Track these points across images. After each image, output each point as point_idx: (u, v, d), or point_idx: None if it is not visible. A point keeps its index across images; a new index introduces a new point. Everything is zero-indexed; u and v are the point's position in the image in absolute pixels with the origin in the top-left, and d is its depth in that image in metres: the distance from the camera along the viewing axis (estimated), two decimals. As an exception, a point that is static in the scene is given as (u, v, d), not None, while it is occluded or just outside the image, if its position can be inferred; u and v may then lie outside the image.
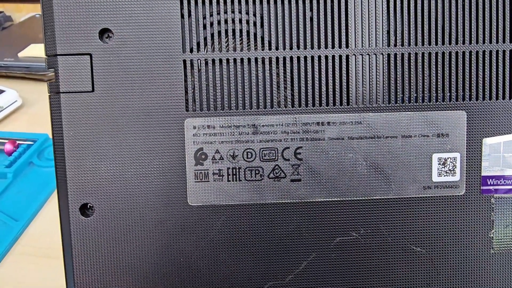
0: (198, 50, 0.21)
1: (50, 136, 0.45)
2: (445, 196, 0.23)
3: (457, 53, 0.22)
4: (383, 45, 0.22)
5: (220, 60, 0.22)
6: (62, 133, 0.21)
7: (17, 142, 0.43)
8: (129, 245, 0.22)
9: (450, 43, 0.22)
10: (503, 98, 0.22)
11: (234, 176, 0.22)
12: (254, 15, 0.22)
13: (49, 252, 0.34)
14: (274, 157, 0.22)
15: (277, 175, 0.22)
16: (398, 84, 0.22)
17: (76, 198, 0.22)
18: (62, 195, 0.22)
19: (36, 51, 0.60)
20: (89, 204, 0.22)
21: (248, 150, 0.22)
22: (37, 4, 0.81)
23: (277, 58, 0.22)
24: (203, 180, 0.22)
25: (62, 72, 0.21)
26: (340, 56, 0.22)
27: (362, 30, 0.22)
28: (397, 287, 0.23)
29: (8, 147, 0.42)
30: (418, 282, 0.23)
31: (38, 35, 0.66)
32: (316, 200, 0.22)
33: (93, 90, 0.21)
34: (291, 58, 0.22)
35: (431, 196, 0.23)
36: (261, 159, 0.22)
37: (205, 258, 0.22)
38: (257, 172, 0.22)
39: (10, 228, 0.34)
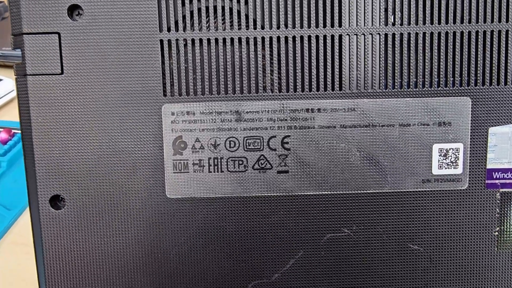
0: (177, 29, 0.20)
1: None
2: (446, 190, 0.21)
3: (462, 33, 0.20)
4: (380, 24, 0.20)
5: (200, 40, 0.20)
6: (30, 119, 0.20)
7: (13, 131, 0.42)
8: (102, 239, 0.20)
9: (454, 22, 0.20)
10: (512, 83, 0.20)
11: (216, 167, 0.20)
12: (238, -10, 0.20)
13: None
14: (259, 147, 0.20)
15: (263, 166, 0.20)
16: (396, 68, 0.20)
17: (45, 189, 0.20)
18: (32, 186, 0.20)
19: None
20: (60, 196, 0.20)
21: (231, 139, 0.20)
22: None
23: (263, 38, 0.20)
24: (182, 171, 0.20)
25: (28, 53, 0.19)
26: (332, 36, 0.20)
27: (357, 8, 0.20)
28: (392, 287, 0.21)
29: (3, 136, 0.41)
30: (415, 283, 0.21)
31: None
32: (305, 193, 0.21)
33: (62, 73, 0.20)
34: (278, 38, 0.20)
35: (431, 191, 0.21)
36: (245, 149, 0.20)
37: (184, 254, 0.21)
38: (240, 162, 0.20)
39: (2, 217, 0.34)
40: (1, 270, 0.31)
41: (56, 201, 0.20)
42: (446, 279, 0.21)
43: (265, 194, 0.21)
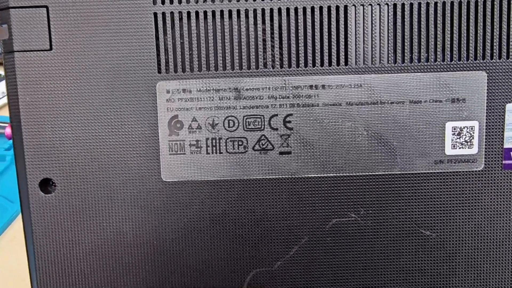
0: (171, 1, 0.18)
1: None
2: (460, 171, 0.19)
3: (476, 2, 0.19)
4: (388, -6, 0.19)
5: (197, 13, 0.19)
6: (17, 98, 0.19)
7: None
8: (95, 225, 0.19)
9: (468, -9, 0.19)
10: (532, 56, 0.19)
11: (214, 148, 0.19)
12: (236, -41, 0.18)
13: None
14: (260, 126, 0.19)
15: (264, 147, 0.19)
16: (406, 41, 0.19)
17: (35, 172, 0.19)
18: (21, 169, 0.19)
19: None
20: (50, 181, 0.19)
21: (229, 118, 0.19)
22: None
23: (263, 10, 0.19)
24: (178, 152, 0.19)
25: (15, 28, 0.18)
26: (337, 7, 0.19)
27: (363, -24, 0.18)
28: (402, 278, 0.20)
29: (8, 130, 0.41)
30: (427, 271, 0.20)
31: None
32: (309, 175, 0.19)
33: (51, 49, 0.19)
34: (279, 10, 0.19)
35: (444, 172, 0.19)
36: (245, 128, 0.19)
37: (181, 241, 0.20)
38: (240, 143, 0.19)
39: (5, 210, 0.34)
40: (2, 261, 0.31)
41: (46, 185, 0.19)
42: (460, 267, 0.20)
43: (267, 177, 0.19)
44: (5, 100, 0.51)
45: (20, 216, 0.35)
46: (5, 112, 0.49)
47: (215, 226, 0.19)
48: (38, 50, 0.19)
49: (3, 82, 0.52)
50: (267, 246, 0.20)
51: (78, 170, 0.19)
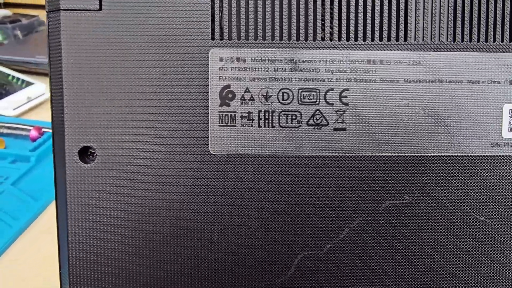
0: (229, -34, 0.18)
1: None
2: (516, 155, 0.19)
3: (536, -16, 0.18)
4: (449, -29, 0.18)
5: (255, -20, 0.18)
6: (61, 61, 0.18)
7: (42, 129, 0.45)
8: (135, 199, 0.18)
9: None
10: None
11: (267, 121, 0.18)
12: None
13: None
14: (315, 100, 0.18)
15: (318, 122, 0.18)
16: (465, 19, 0.18)
17: (74, 139, 0.18)
18: (58, 135, 0.18)
19: None
20: (90, 149, 0.18)
21: (284, 90, 0.18)
22: None
23: (323, -19, 0.18)
24: (228, 124, 0.18)
25: (64, -16, 0.17)
26: (399, -18, 0.18)
27: (425, -49, 0.18)
28: (455, 265, 0.19)
29: (34, 133, 0.44)
30: (479, 259, 0.19)
31: None
32: (364, 154, 0.19)
33: (100, 9, 0.18)
34: (340, -19, 0.18)
35: (500, 155, 0.19)
36: (300, 102, 0.18)
37: (226, 220, 0.18)
38: (294, 117, 0.18)
39: (29, 207, 0.35)
40: (25, 255, 0.31)
41: (85, 154, 0.18)
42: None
43: (320, 154, 0.18)
44: (29, 105, 0.54)
45: (43, 212, 0.35)
46: (29, 116, 0.52)
47: (263, 204, 0.18)
48: (86, 10, 0.18)
49: (27, 89, 0.55)
50: (317, 228, 0.19)
51: (121, 139, 0.18)
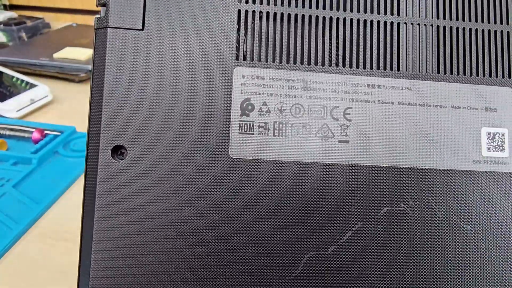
0: (254, 1, 0.21)
1: (77, 128, 0.46)
2: (494, 172, 0.22)
3: (502, 32, 0.23)
4: (432, 17, 0.22)
5: (275, 14, 0.21)
6: (104, 70, 0.20)
7: (45, 131, 0.45)
8: (160, 194, 0.20)
9: (495, 22, 0.23)
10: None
11: (280, 131, 0.21)
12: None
13: (67, 236, 0.34)
14: (322, 115, 0.21)
15: (325, 134, 0.21)
16: (447, 55, 0.22)
17: (109, 138, 0.20)
18: (94, 134, 0.20)
19: (71, 53, 0.65)
20: (121, 149, 0.20)
21: (296, 105, 0.21)
22: (75, 15, 0.87)
23: (331, 18, 0.22)
24: (247, 132, 0.21)
25: (113, 6, 0.20)
26: (392, 23, 0.22)
27: (412, 1, 0.22)
28: (444, 268, 0.21)
29: (36, 135, 0.44)
30: (466, 264, 0.21)
31: (74, 41, 0.71)
32: (364, 164, 0.21)
33: (143, 29, 0.21)
34: (344, 19, 0.22)
35: (480, 171, 0.22)
36: (309, 116, 0.21)
37: (243, 217, 0.20)
38: (304, 129, 0.21)
39: (30, 209, 0.35)
40: (25, 259, 0.31)
41: (116, 152, 0.20)
42: (496, 264, 0.21)
43: (326, 162, 0.21)
44: (32, 107, 0.54)
45: (44, 215, 0.36)
46: (32, 118, 0.53)
47: (274, 204, 0.20)
48: (131, 29, 0.21)
49: (30, 91, 0.55)
50: (323, 229, 0.20)
51: (150, 140, 0.20)
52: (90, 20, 0.89)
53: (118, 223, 0.20)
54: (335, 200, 0.21)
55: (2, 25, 0.73)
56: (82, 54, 0.64)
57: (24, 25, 0.73)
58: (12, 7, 0.89)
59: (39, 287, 0.29)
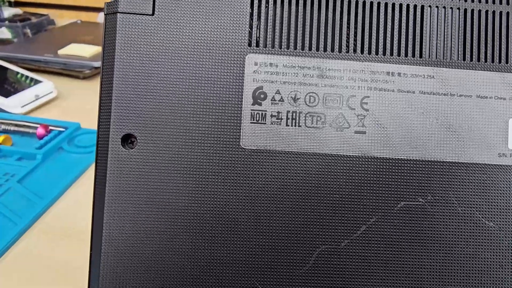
0: (268, -15, 0.20)
1: (82, 125, 0.47)
2: (521, 166, 0.20)
3: (536, 15, 0.21)
4: (459, 0, 0.21)
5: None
6: (114, 56, 0.20)
7: (49, 127, 0.46)
8: (170, 184, 0.20)
9: (529, 5, 0.21)
10: None
11: (294, 120, 0.20)
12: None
13: (70, 232, 0.34)
14: (338, 104, 0.20)
15: (341, 124, 0.20)
16: (474, 41, 0.21)
17: (119, 126, 0.20)
18: (104, 122, 0.20)
19: (75, 50, 0.65)
20: (131, 138, 0.20)
21: (311, 94, 0.20)
22: (79, 12, 0.88)
23: (349, 1, 0.21)
24: (259, 121, 0.20)
25: (123, -9, 0.20)
26: (415, 6, 0.21)
27: (439, -18, 0.21)
28: (463, 267, 0.20)
29: (40, 131, 0.45)
30: (488, 263, 0.20)
31: (78, 37, 0.71)
32: (381, 156, 0.20)
33: (153, 14, 0.20)
34: (364, 3, 0.21)
35: (506, 165, 0.20)
36: (324, 105, 0.20)
37: (253, 208, 0.20)
38: (319, 118, 0.20)
39: (34, 205, 0.35)
40: (28, 255, 0.31)
41: (126, 141, 0.20)
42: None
43: (341, 153, 0.20)
44: (37, 103, 0.54)
45: (48, 210, 0.36)
46: (37, 114, 0.53)
47: (285, 196, 0.20)
48: (140, 14, 0.20)
49: (35, 87, 0.55)
50: (336, 223, 0.20)
51: (161, 129, 0.20)
52: (95, 17, 0.90)
53: (128, 212, 0.19)
54: (350, 193, 0.20)
55: (7, 22, 0.74)
56: (86, 51, 0.64)
57: (29, 22, 0.74)
58: (17, 4, 0.90)
59: (42, 282, 0.29)
